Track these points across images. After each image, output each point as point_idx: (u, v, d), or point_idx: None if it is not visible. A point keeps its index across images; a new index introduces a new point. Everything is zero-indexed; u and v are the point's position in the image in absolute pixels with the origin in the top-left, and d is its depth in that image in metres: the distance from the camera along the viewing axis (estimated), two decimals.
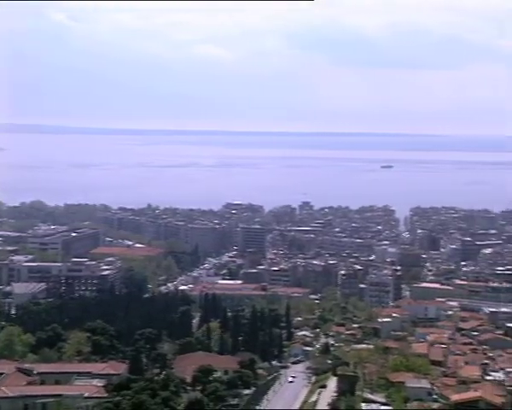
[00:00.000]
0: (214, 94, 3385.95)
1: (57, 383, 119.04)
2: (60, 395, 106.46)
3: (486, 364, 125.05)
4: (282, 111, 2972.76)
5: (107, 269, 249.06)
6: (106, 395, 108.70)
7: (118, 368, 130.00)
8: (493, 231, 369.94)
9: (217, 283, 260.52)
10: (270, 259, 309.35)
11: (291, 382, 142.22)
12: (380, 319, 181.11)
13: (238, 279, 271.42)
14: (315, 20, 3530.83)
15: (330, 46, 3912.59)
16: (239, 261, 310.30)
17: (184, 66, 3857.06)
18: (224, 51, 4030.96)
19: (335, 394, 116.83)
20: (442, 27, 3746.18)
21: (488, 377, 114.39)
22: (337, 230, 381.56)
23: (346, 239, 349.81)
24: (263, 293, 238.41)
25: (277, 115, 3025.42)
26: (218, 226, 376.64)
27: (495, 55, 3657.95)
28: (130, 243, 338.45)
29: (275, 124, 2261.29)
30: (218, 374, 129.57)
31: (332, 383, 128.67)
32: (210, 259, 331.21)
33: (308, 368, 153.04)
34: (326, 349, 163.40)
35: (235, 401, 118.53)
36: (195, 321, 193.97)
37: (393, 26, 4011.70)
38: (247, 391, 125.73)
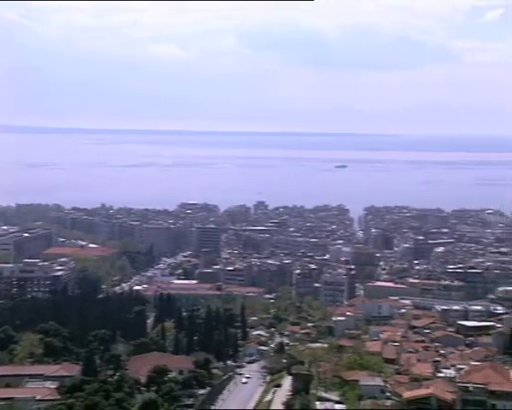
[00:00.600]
0: (170, 93, 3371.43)
1: (8, 386, 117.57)
2: (11, 399, 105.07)
3: (438, 361, 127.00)
4: (238, 111, 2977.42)
5: (60, 270, 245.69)
6: (59, 397, 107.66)
7: (71, 370, 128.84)
8: (445, 230, 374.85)
9: (171, 283, 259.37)
10: (225, 258, 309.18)
11: (245, 383, 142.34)
12: (334, 318, 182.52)
13: (193, 279, 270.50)
14: (270, 21, 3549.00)
15: (285, 46, 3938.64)
16: (194, 261, 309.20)
17: (140, 65, 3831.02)
18: (179, 51, 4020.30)
19: (290, 393, 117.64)
20: (394, 29, 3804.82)
21: (440, 374, 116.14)
22: (292, 229, 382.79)
23: (300, 239, 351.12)
24: (218, 293, 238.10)
25: (233, 115, 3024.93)
26: (172, 226, 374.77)
27: (446, 55, 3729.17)
28: (84, 243, 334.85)
29: (230, 123, 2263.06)
30: (172, 374, 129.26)
31: (287, 382, 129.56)
32: (165, 259, 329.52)
33: (263, 367, 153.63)
34: (281, 349, 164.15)
35: (189, 401, 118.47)
36: (150, 321, 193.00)
37: (347, 27, 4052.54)
38: (202, 391, 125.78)
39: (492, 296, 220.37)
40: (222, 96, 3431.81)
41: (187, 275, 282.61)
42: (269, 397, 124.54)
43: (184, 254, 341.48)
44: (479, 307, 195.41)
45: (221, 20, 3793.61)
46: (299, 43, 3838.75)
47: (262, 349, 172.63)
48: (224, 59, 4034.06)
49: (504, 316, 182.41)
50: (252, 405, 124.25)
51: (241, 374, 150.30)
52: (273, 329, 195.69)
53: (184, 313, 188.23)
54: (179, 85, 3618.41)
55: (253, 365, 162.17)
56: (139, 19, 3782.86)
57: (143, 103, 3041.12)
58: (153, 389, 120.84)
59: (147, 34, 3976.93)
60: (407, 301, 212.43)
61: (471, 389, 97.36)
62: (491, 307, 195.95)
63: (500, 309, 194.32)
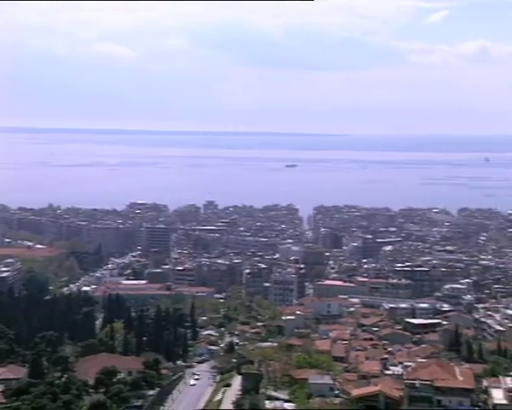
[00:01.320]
0: (118, 92, 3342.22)
1: None
2: None
3: (386, 359, 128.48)
4: (187, 110, 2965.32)
5: (5, 271, 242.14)
6: (4, 400, 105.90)
7: (17, 373, 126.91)
8: (393, 229, 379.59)
9: (120, 283, 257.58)
10: (175, 258, 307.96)
11: (193, 385, 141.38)
12: (284, 317, 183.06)
13: (142, 279, 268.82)
14: (217, 20, 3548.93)
15: (233, 46, 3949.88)
16: (143, 261, 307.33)
17: (87, 64, 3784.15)
18: (128, 49, 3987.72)
19: (240, 392, 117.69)
20: (340, 30, 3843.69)
21: (387, 372, 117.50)
22: (242, 229, 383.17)
23: (250, 238, 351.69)
24: (167, 293, 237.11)
25: (181, 114, 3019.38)
26: (121, 226, 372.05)
27: (391, 56, 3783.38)
28: (31, 243, 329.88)
29: (180, 123, 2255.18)
30: (121, 375, 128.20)
31: (236, 381, 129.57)
32: (113, 259, 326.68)
33: (213, 367, 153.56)
34: (231, 348, 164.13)
35: (139, 402, 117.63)
36: (99, 322, 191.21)
37: (293, 28, 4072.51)
38: (151, 392, 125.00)
39: (439, 294, 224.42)
40: (171, 95, 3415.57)
41: (136, 275, 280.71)
42: (219, 397, 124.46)
43: (133, 254, 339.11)
44: (425, 305, 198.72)
45: (169, 19, 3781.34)
46: (247, 42, 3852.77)
47: (212, 349, 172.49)
48: (172, 58, 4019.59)
49: (450, 313, 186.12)
50: (201, 405, 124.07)
51: (198, 375, 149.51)
52: (223, 328, 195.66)
53: (134, 314, 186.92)
54: (129, 85, 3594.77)
55: (203, 364, 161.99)
56: (87, 18, 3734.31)
57: (93, 103, 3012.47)
58: (101, 390, 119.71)
59: (95, 33, 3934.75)
60: (356, 300, 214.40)
61: (418, 385, 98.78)
62: (438, 305, 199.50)
63: (446, 307, 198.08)
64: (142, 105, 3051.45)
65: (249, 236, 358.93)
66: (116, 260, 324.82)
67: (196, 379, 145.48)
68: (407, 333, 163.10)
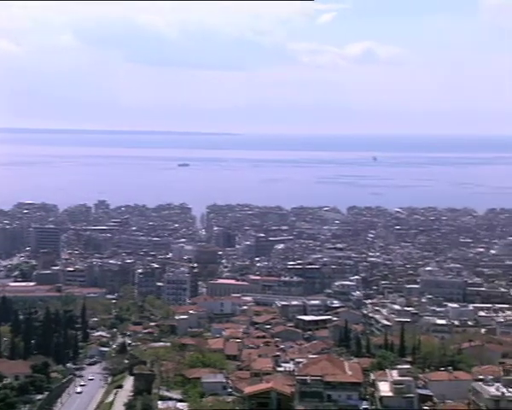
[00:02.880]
0: (5, 89, 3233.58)
1: None
2: None
3: (278, 356, 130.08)
4: (76, 108, 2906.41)
5: None
6: None
7: None
8: (285, 227, 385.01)
9: (7, 285, 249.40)
10: (65, 259, 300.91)
11: (80, 392, 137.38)
12: (177, 317, 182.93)
13: (31, 281, 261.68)
14: (107, 17, 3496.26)
15: (123, 43, 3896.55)
16: (32, 262, 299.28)
17: None
18: (14, 45, 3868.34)
19: (132, 393, 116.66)
20: (236, 30, 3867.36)
21: (279, 369, 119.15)
22: (134, 228, 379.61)
23: (143, 238, 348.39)
24: (57, 294, 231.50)
25: (71, 112, 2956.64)
26: (8, 226, 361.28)
27: (284, 56, 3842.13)
28: None
29: (68, 121, 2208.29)
30: (8, 380, 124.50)
31: (129, 382, 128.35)
32: (0, 260, 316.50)
33: (105, 369, 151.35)
34: (123, 349, 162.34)
35: (26, 408, 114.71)
36: None
37: (186, 26, 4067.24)
38: (39, 396, 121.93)
39: (329, 291, 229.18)
40: (58, 93, 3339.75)
41: (24, 277, 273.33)
42: (110, 399, 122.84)
43: (21, 255, 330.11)
44: (316, 302, 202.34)
45: (55, 15, 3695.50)
46: (139, 41, 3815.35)
47: (103, 350, 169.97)
48: (61, 55, 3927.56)
49: (340, 310, 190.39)
50: (92, 407, 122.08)
51: (92, 379, 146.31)
52: (115, 329, 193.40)
53: (21, 317, 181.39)
54: (17, 82, 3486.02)
55: (94, 366, 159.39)
56: None
57: None
58: None
59: None
60: (249, 298, 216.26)
61: (309, 381, 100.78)
62: (328, 302, 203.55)
63: (336, 303, 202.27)
64: (32, 103, 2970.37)
65: (142, 235, 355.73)
66: (2, 262, 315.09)
67: (82, 385, 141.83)
68: (299, 330, 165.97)
